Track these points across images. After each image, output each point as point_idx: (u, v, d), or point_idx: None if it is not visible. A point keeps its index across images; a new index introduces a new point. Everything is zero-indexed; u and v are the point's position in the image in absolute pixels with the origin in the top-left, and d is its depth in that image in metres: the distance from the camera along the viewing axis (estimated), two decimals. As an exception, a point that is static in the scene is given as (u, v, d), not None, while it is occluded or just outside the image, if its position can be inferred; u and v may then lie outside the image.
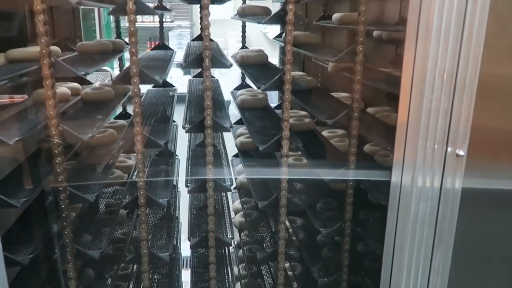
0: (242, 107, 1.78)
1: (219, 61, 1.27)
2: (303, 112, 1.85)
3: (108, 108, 1.57)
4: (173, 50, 2.13)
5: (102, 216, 1.58)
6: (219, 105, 1.54)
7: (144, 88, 2.05)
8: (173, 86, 2.12)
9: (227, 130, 1.33)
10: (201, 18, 1.28)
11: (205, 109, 1.24)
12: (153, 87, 2.11)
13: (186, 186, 1.38)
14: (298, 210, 1.65)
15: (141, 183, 1.29)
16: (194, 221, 1.58)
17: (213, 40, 1.49)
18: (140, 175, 1.27)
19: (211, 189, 1.30)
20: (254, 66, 1.71)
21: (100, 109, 1.52)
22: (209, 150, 1.27)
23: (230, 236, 1.45)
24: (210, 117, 1.25)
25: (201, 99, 1.30)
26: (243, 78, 2.23)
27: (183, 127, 1.34)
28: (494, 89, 1.07)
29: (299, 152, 1.72)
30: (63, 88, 1.52)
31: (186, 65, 1.30)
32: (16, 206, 1.11)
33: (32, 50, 1.28)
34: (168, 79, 2.15)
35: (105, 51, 1.62)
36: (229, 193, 1.97)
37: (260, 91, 1.86)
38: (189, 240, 1.43)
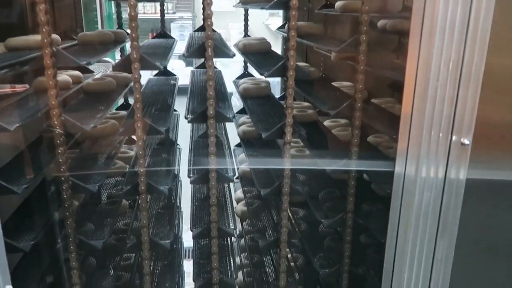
0: (244, 95, 1.77)
1: (222, 51, 1.26)
2: (306, 104, 1.85)
3: (110, 98, 1.56)
4: (174, 38, 2.12)
5: (104, 206, 1.58)
6: (222, 95, 1.53)
7: (145, 77, 2.05)
8: (175, 75, 2.12)
9: (230, 120, 1.32)
10: (203, 8, 1.27)
11: (207, 99, 1.24)
12: (154, 75, 2.11)
13: (189, 177, 1.38)
14: (300, 201, 1.65)
15: (141, 170, 1.28)
16: (196, 212, 1.58)
17: (215, 31, 1.48)
18: (141, 161, 1.27)
19: (213, 179, 1.29)
20: (257, 54, 1.70)
21: (101, 99, 1.51)
22: (212, 141, 1.27)
23: (233, 227, 1.45)
24: (213, 107, 1.24)
25: (204, 89, 1.29)
26: (245, 67, 2.22)
27: (186, 117, 1.33)
28: (500, 79, 1.06)
29: (302, 144, 1.72)
30: (64, 76, 1.51)
31: (189, 55, 1.29)
32: (17, 192, 1.10)
33: (33, 38, 1.27)
34: (170, 71, 2.15)
35: (107, 41, 1.61)
36: (231, 183, 1.97)
37: (262, 79, 1.85)
38: (191, 230, 1.42)
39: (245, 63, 2.17)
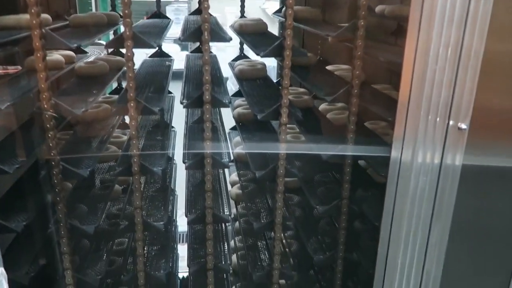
0: (240, 77, 1.73)
1: (219, 34, 1.23)
2: (302, 89, 1.82)
3: (102, 82, 1.53)
4: (169, 18, 2.07)
5: (97, 191, 1.56)
6: (218, 80, 1.50)
7: (140, 59, 2.02)
8: (170, 56, 2.08)
9: (226, 105, 1.30)
10: (199, -10, 1.24)
11: (203, 84, 1.21)
12: (149, 57, 2.07)
13: (184, 162, 1.36)
14: (295, 187, 1.64)
15: (135, 151, 1.25)
16: (191, 197, 1.56)
17: (211, 15, 1.45)
18: (134, 142, 1.24)
19: (209, 165, 1.28)
20: (253, 34, 1.67)
21: (94, 83, 1.48)
22: (207, 126, 1.24)
23: (228, 212, 1.43)
24: (209, 92, 1.22)
25: (199, 74, 1.26)
26: (241, 50, 2.18)
27: (181, 102, 1.31)
28: (498, 64, 1.05)
29: (297, 130, 1.70)
30: (57, 55, 1.47)
31: (185, 39, 1.26)
32: (9, 172, 1.09)
33: (25, 18, 1.23)
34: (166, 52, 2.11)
35: (99, 23, 1.58)
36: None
37: (259, 61, 1.82)
38: (186, 216, 1.41)
39: (241, 45, 2.13)
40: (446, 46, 1.01)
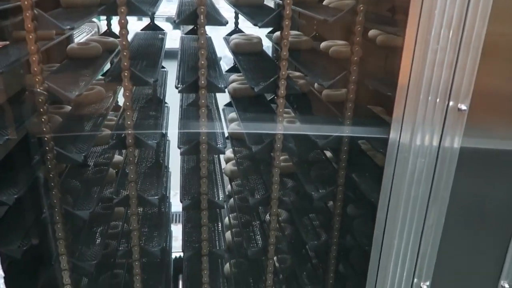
0: (235, 51, 1.71)
1: (215, 18, 1.21)
2: (297, 73, 1.81)
3: (96, 64, 1.50)
4: None
5: (91, 175, 1.55)
6: (213, 64, 1.48)
7: (132, 32, 1.98)
8: (163, 30, 2.05)
9: (222, 90, 1.28)
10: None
11: (199, 69, 1.19)
12: (142, 30, 2.03)
13: (179, 148, 1.34)
14: (290, 172, 1.64)
15: (129, 122, 1.23)
16: (185, 182, 1.55)
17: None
18: (128, 113, 1.22)
19: (204, 151, 1.27)
20: (249, 7, 1.64)
21: (87, 65, 1.45)
22: (203, 112, 1.23)
23: (222, 197, 1.43)
24: (205, 77, 1.20)
25: (194, 57, 1.23)
26: (236, 24, 2.14)
27: (176, 87, 1.29)
28: (500, 46, 1.04)
29: (293, 114, 1.69)
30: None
31: (180, 22, 1.23)
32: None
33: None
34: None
35: (92, 3, 1.53)
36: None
37: (254, 35, 1.80)
38: (181, 202, 1.40)
39: (236, 19, 2.10)
40: (448, 26, 1.00)
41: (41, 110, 1.15)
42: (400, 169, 1.12)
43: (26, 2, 1.09)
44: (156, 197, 1.36)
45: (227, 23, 1.23)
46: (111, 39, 1.74)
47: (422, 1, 0.99)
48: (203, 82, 1.20)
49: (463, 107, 1.06)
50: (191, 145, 1.29)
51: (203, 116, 1.23)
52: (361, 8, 1.18)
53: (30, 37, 1.10)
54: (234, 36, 1.84)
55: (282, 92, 1.24)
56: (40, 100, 1.14)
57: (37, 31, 1.11)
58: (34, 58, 1.12)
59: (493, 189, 1.17)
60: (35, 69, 1.13)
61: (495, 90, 1.09)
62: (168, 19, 4.40)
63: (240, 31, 2.12)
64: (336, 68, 1.49)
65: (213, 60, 1.56)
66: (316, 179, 1.45)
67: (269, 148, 1.32)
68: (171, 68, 1.78)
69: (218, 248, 1.45)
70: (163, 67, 2.00)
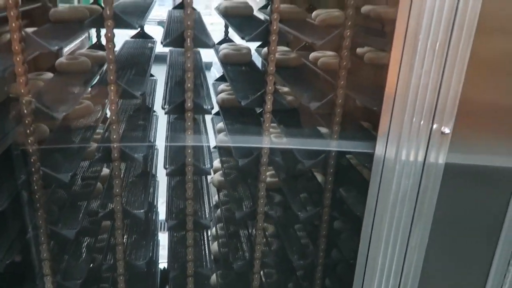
0: (224, 61, 1.72)
1: (201, 41, 1.22)
2: (286, 89, 1.82)
3: (84, 80, 1.50)
4: None
5: (78, 190, 1.55)
6: (200, 83, 1.48)
7: (124, 37, 1.97)
8: (152, 38, 2.04)
9: (209, 112, 1.29)
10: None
11: (185, 92, 1.20)
12: (131, 38, 2.03)
13: (165, 168, 1.35)
14: (276, 187, 1.65)
15: (114, 136, 1.24)
16: (171, 197, 1.56)
17: (195, 9, 1.42)
18: (114, 127, 1.22)
19: (190, 173, 1.28)
20: (239, 18, 1.65)
21: (75, 81, 1.45)
22: (189, 134, 1.24)
23: (209, 217, 1.44)
24: (191, 100, 1.21)
25: (182, 73, 1.22)
26: (226, 32, 2.15)
27: (163, 108, 1.30)
28: (485, 64, 1.06)
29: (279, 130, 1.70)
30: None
31: (166, 44, 1.23)
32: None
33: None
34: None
35: (81, 19, 1.53)
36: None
37: (244, 45, 1.80)
38: (166, 222, 1.41)
39: (226, 27, 2.10)
40: (432, 51, 1.02)
41: (27, 132, 1.15)
42: (385, 186, 1.14)
43: (13, 24, 1.09)
44: (142, 211, 1.37)
45: (213, 45, 1.24)
46: (101, 52, 1.74)
47: (407, 25, 1.01)
48: (189, 104, 1.21)
49: (447, 130, 1.08)
50: (177, 166, 1.30)
51: (189, 138, 1.24)
52: (348, 33, 1.20)
53: (18, 59, 1.10)
54: (223, 46, 1.85)
55: (269, 107, 1.26)
56: (27, 122, 1.14)
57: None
58: (21, 80, 1.12)
59: (479, 205, 1.18)
60: (22, 90, 1.13)
61: (480, 109, 1.11)
62: (160, 23, 4.40)
63: (230, 40, 2.13)
64: (324, 85, 1.51)
65: (201, 77, 1.56)
66: (303, 198, 1.46)
67: (256, 162, 1.33)
68: (161, 74, 1.78)
69: (204, 267, 1.46)
70: (152, 75, 2.00)
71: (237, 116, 1.59)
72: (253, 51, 1.90)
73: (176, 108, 1.25)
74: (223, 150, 1.84)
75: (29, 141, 1.17)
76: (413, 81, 1.05)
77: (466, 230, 1.21)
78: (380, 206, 1.17)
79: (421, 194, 1.14)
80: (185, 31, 1.17)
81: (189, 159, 1.26)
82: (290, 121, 1.62)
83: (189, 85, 1.19)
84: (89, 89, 1.56)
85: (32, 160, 1.17)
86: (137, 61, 1.64)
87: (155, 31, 2.18)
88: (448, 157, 1.11)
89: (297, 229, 1.64)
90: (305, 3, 2.08)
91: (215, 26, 2.28)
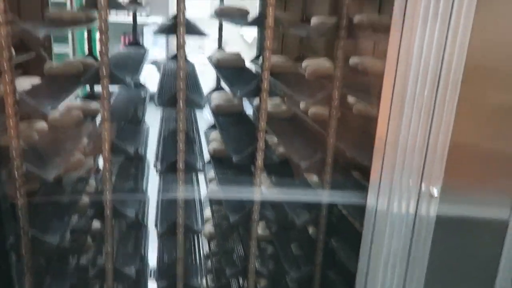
0: (216, 112, 1.74)
1: (193, 101, 1.24)
2: (276, 140, 1.83)
3: (76, 133, 1.51)
4: (146, 48, 2.06)
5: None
6: (192, 139, 1.50)
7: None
8: (144, 86, 2.06)
9: (200, 170, 1.30)
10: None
11: (177, 152, 1.21)
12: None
13: (155, 226, 1.35)
14: (267, 239, 1.64)
15: (108, 196, 1.24)
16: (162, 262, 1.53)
17: (188, 61, 1.45)
18: (107, 186, 1.23)
19: (180, 234, 1.27)
20: (230, 69, 1.68)
21: (66, 137, 1.45)
22: (181, 193, 1.24)
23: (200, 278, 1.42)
24: (183, 161, 1.22)
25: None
26: (218, 81, 2.18)
27: (154, 166, 1.30)
28: (472, 113, 1.07)
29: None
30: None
31: (160, 103, 1.26)
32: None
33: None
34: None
35: (75, 74, 1.55)
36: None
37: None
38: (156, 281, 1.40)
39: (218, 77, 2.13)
40: (418, 110, 1.04)
41: (18, 193, 1.15)
42: (377, 237, 1.14)
43: (7, 88, 1.10)
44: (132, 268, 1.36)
45: (204, 106, 1.26)
46: (94, 103, 1.75)
47: (393, 87, 1.03)
48: (181, 165, 1.22)
49: (435, 193, 1.09)
50: (168, 225, 1.30)
51: (181, 197, 1.24)
52: (336, 95, 1.23)
53: (11, 123, 1.11)
54: (215, 95, 1.87)
55: (260, 163, 1.27)
56: (17, 185, 1.14)
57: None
58: (14, 143, 1.12)
59: (470, 258, 1.19)
60: (14, 153, 1.13)
61: (469, 164, 1.11)
62: (154, 63, 4.48)
63: (222, 88, 2.15)
64: (315, 137, 1.52)
65: (193, 131, 1.58)
66: (295, 253, 1.46)
67: (247, 218, 1.33)
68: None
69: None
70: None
71: (228, 166, 1.59)
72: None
73: (169, 167, 1.26)
74: (213, 200, 1.84)
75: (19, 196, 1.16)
76: (401, 140, 1.06)
77: (460, 281, 1.21)
78: (372, 264, 1.16)
79: (413, 247, 1.14)
80: (177, 92, 1.19)
81: (180, 220, 1.26)
82: (281, 172, 1.64)
83: (181, 146, 1.20)
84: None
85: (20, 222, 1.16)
86: (130, 109, 1.65)
87: (148, 70, 2.20)
88: (439, 209, 1.11)
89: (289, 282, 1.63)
90: (297, 51, 2.12)
91: (208, 67, 2.32)
